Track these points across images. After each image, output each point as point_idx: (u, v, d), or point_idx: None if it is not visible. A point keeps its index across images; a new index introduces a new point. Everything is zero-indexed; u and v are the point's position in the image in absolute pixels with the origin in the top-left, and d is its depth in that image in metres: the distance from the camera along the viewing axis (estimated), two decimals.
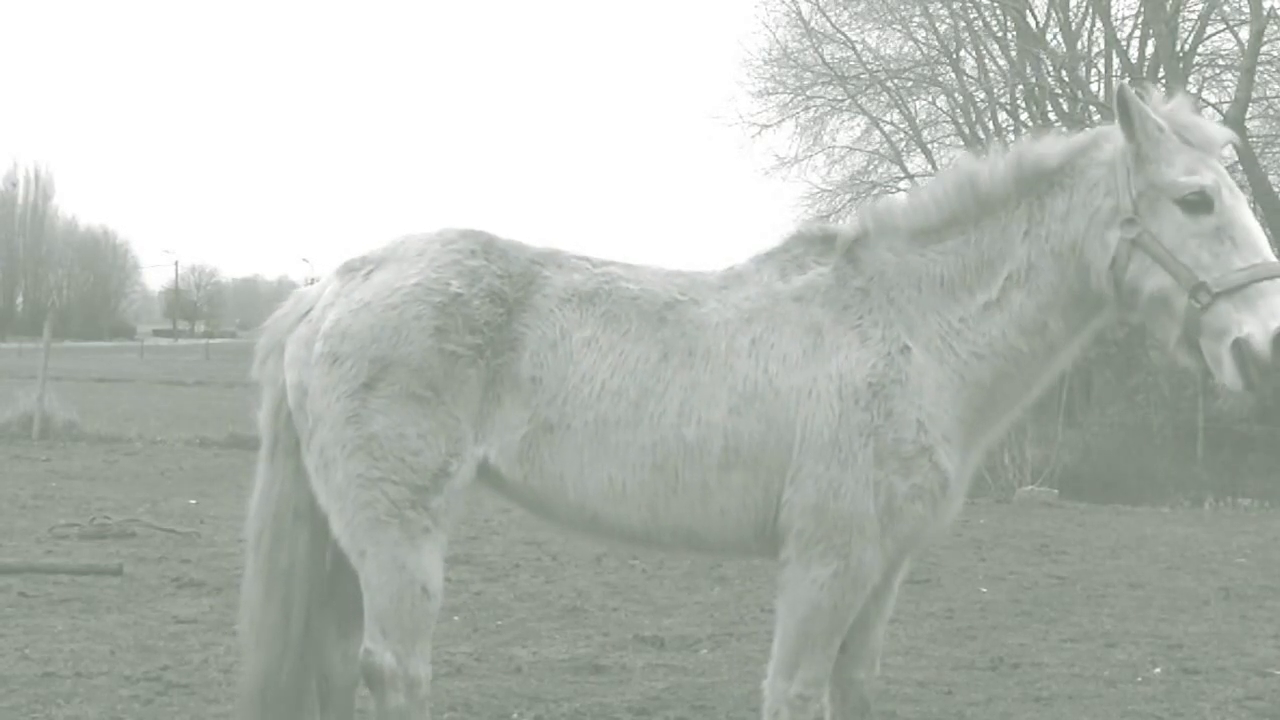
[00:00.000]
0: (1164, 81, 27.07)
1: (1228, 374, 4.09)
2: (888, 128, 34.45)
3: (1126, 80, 26.82)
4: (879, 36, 32.96)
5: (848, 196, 33.33)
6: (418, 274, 4.41)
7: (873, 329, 4.38)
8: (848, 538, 4.27)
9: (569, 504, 4.43)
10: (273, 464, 4.62)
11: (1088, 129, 4.58)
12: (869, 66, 32.05)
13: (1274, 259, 4.12)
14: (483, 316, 4.36)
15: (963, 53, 32.37)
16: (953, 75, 32.33)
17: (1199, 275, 4.12)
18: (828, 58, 32.40)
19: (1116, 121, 4.30)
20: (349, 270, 4.57)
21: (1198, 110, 4.43)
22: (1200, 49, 29.20)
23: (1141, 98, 4.29)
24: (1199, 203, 4.17)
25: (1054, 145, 4.48)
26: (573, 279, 4.51)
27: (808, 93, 33.25)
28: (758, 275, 4.58)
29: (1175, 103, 4.35)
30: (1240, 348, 4.04)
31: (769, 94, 33.60)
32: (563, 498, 4.42)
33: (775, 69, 33.39)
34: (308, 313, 4.55)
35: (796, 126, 33.84)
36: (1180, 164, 4.21)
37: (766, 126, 33.70)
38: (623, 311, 4.45)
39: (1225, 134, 4.42)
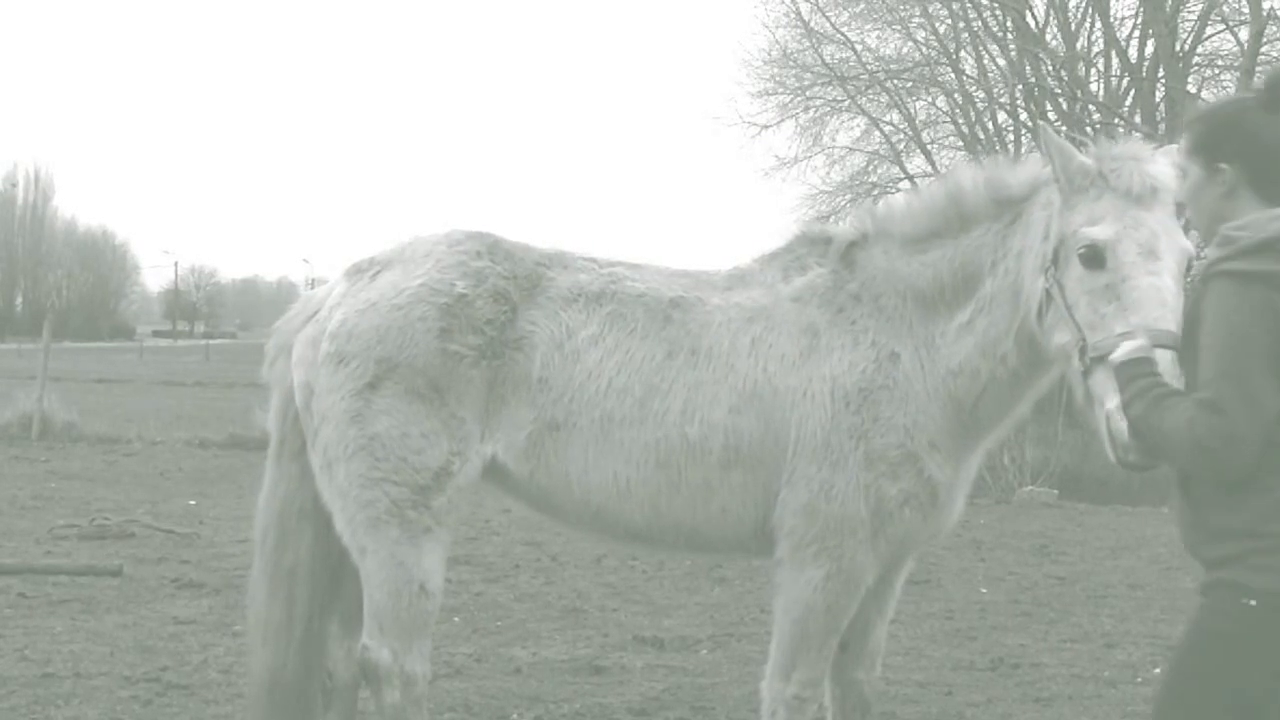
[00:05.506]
0: (1164, 81, 27.12)
1: (1105, 446, 3.59)
2: (887, 128, 34.38)
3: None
4: (879, 37, 32.92)
5: (847, 197, 33.25)
6: (423, 275, 4.43)
7: (864, 334, 4.38)
8: (840, 539, 4.28)
9: (574, 501, 4.46)
10: (279, 464, 4.65)
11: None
12: (869, 67, 31.99)
13: (1161, 326, 3.55)
14: (487, 317, 4.37)
15: (962, 53, 32.32)
16: (952, 76, 32.28)
17: (1086, 335, 3.76)
18: (827, 58, 32.32)
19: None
20: (356, 271, 4.61)
21: (1150, 151, 3.94)
22: (1200, 49, 29.16)
23: (1083, 140, 3.91)
24: (1090, 256, 3.79)
25: (1022, 174, 4.28)
26: (578, 279, 4.52)
27: (807, 93, 33.19)
28: (762, 275, 4.59)
29: (1123, 144, 3.96)
30: (1108, 421, 3.54)
31: (769, 94, 33.53)
32: (568, 494, 4.44)
33: (775, 69, 33.33)
34: (315, 313, 4.59)
35: (796, 127, 33.78)
36: (1085, 212, 3.85)
37: (766, 127, 33.61)
38: (628, 310, 4.46)
39: (1156, 180, 3.84)
